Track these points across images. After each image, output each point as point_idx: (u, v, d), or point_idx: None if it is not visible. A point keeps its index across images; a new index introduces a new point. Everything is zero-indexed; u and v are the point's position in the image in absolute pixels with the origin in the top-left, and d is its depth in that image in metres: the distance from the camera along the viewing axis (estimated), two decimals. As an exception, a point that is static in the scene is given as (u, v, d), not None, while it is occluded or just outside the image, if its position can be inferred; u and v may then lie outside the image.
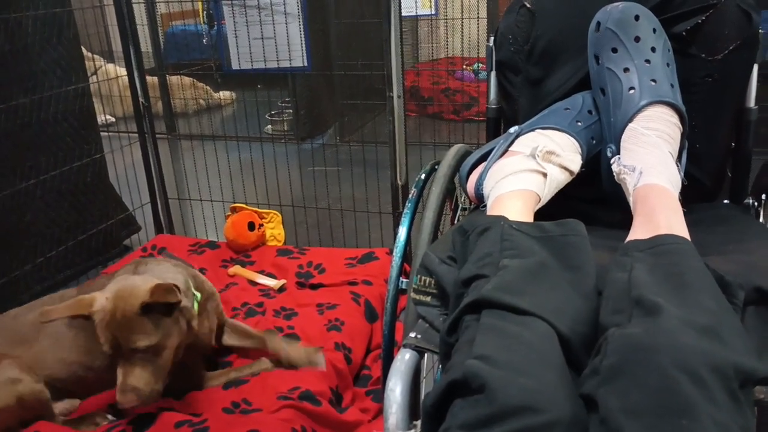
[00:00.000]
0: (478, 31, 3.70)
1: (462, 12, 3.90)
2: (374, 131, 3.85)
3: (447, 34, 4.51)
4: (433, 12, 4.28)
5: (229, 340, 1.80)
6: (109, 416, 1.58)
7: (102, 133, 2.59)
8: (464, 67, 4.62)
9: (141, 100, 2.55)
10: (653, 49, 1.01)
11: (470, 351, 0.69)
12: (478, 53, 3.86)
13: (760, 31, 1.09)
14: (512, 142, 1.08)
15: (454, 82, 4.49)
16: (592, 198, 1.09)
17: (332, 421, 1.55)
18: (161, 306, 1.36)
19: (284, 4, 2.40)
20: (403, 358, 0.86)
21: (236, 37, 2.51)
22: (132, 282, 1.39)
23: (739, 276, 0.78)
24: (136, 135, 2.62)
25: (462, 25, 3.73)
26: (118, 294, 1.34)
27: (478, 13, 3.77)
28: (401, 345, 0.89)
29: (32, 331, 1.56)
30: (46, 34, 2.28)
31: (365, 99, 3.95)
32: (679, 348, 0.62)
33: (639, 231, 0.86)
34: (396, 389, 0.83)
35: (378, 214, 2.50)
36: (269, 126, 4.23)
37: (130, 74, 2.52)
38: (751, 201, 1.17)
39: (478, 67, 4.51)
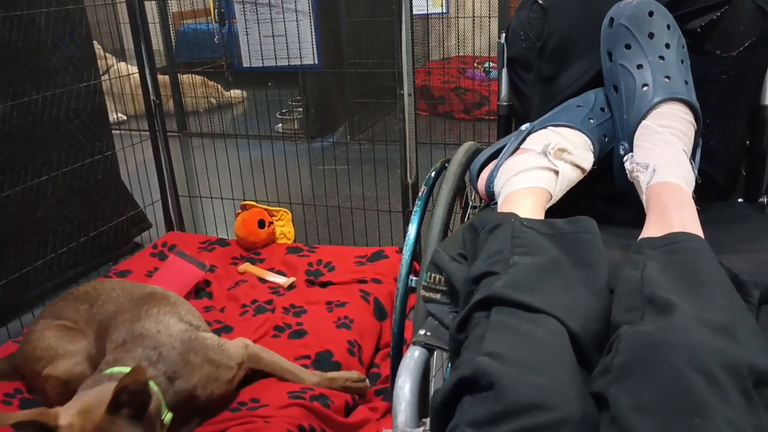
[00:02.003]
0: (489, 29, 3.68)
1: (473, 10, 3.89)
2: (384, 130, 3.84)
3: (458, 32, 4.50)
4: (445, 10, 4.27)
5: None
6: None
7: (113, 131, 2.60)
8: (475, 66, 4.60)
9: (152, 98, 2.56)
10: (667, 46, 1.00)
11: (480, 348, 0.68)
12: (489, 52, 3.85)
13: None
14: (524, 140, 1.07)
15: (465, 81, 4.47)
16: (605, 196, 1.08)
17: (340, 423, 1.55)
18: (132, 409, 1.27)
19: (295, 2, 2.40)
20: (413, 355, 0.86)
21: (247, 35, 2.51)
22: (94, 392, 1.32)
23: (754, 275, 0.77)
24: (148, 133, 2.64)
25: (473, 24, 3.72)
26: (83, 408, 1.27)
27: (489, 12, 3.75)
28: (411, 342, 0.89)
29: None
30: (58, 31, 2.29)
31: (376, 97, 3.95)
32: (693, 346, 0.61)
33: (652, 228, 0.85)
34: (405, 386, 0.82)
35: (388, 213, 2.49)
36: (280, 124, 4.24)
37: (141, 72, 2.53)
38: (765, 200, 1.15)
39: (489, 66, 4.49)
